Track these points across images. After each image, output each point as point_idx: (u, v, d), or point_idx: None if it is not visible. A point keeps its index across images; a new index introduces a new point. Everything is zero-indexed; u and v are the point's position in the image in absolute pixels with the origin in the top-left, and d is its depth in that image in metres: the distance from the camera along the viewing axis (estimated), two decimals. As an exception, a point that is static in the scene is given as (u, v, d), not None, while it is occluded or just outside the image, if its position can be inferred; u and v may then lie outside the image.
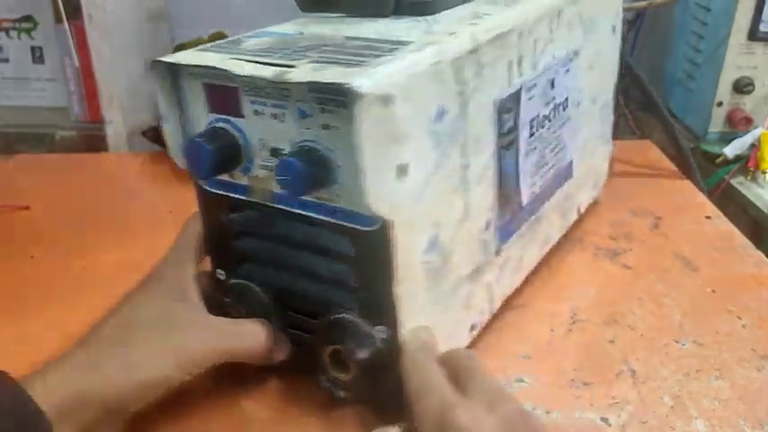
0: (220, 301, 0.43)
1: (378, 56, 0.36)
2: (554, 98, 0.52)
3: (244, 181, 0.40)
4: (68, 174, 0.80)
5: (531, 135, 0.50)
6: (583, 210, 0.63)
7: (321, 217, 0.38)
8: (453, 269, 0.43)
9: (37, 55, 0.99)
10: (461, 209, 0.43)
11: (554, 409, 0.44)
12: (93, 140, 0.92)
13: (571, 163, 0.58)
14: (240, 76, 0.35)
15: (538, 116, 0.50)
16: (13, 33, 0.98)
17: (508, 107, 0.46)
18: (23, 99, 0.97)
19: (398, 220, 0.37)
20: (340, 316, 0.40)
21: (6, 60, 0.99)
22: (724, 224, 0.67)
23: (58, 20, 0.92)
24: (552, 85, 0.51)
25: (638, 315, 0.53)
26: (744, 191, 0.77)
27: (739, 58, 0.83)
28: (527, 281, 0.56)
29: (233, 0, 0.93)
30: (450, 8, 0.45)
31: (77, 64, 0.92)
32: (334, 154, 0.35)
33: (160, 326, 0.40)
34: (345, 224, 0.37)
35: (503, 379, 0.46)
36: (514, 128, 0.47)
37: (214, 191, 0.42)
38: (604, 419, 0.43)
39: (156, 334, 0.40)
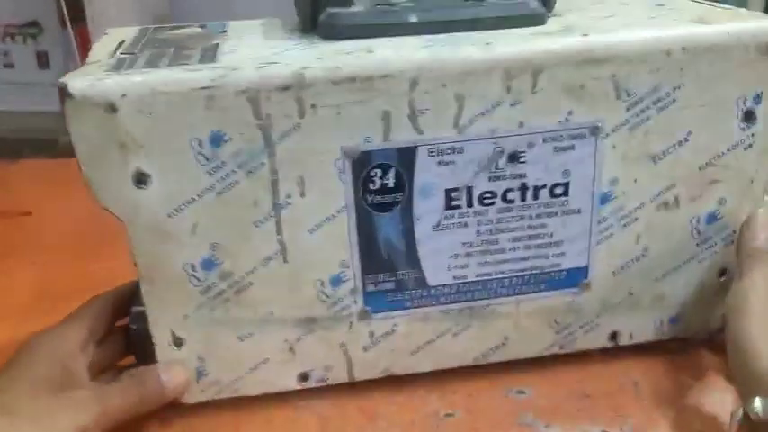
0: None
1: (157, 66, 0.37)
2: (521, 176, 0.41)
3: None
4: (71, 179, 0.74)
5: (452, 208, 0.41)
6: (624, 341, 0.46)
7: None
8: (255, 304, 0.41)
9: (42, 60, 0.98)
10: (273, 248, 0.40)
11: (554, 422, 0.43)
12: (96, 147, 0.91)
13: (579, 270, 0.44)
14: None
15: (470, 189, 0.40)
16: (19, 39, 0.97)
17: (380, 163, 0.39)
18: (29, 104, 0.93)
19: (140, 225, 0.38)
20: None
21: (12, 66, 0.98)
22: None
23: (64, 25, 0.90)
24: (515, 160, 0.40)
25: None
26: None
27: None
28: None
29: (237, 4, 0.85)
30: (355, 38, 0.40)
31: (82, 69, 0.92)
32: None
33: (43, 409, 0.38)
34: None
35: (503, 390, 0.45)
36: (398, 189, 0.40)
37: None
38: None
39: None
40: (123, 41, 0.43)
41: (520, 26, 0.41)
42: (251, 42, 0.41)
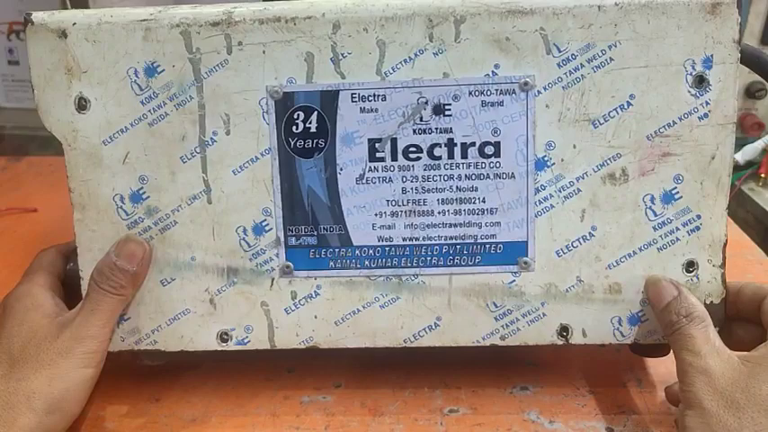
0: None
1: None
2: (447, 131, 0.40)
3: None
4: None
5: (376, 160, 0.40)
6: (577, 339, 0.41)
7: None
8: (179, 246, 0.42)
9: (48, 58, 0.98)
10: (198, 187, 0.41)
11: (558, 418, 0.42)
12: (100, 143, 0.89)
13: (518, 245, 0.40)
14: None
15: (394, 140, 0.40)
16: (24, 36, 0.98)
17: (303, 105, 0.40)
18: (34, 101, 1.03)
19: (78, 149, 0.41)
20: None
21: (17, 63, 0.98)
22: (734, 230, 0.62)
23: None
24: (440, 112, 0.39)
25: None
26: (755, 197, 0.76)
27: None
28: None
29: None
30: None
31: (85, 66, 0.91)
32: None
33: (42, 345, 0.39)
34: None
35: (507, 387, 0.45)
36: (321, 134, 0.40)
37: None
38: (609, 429, 0.42)
39: (43, 354, 0.39)
40: None
41: None
42: None
